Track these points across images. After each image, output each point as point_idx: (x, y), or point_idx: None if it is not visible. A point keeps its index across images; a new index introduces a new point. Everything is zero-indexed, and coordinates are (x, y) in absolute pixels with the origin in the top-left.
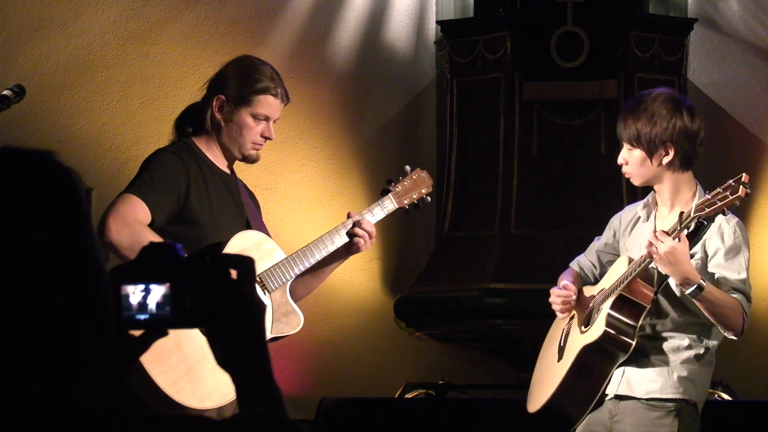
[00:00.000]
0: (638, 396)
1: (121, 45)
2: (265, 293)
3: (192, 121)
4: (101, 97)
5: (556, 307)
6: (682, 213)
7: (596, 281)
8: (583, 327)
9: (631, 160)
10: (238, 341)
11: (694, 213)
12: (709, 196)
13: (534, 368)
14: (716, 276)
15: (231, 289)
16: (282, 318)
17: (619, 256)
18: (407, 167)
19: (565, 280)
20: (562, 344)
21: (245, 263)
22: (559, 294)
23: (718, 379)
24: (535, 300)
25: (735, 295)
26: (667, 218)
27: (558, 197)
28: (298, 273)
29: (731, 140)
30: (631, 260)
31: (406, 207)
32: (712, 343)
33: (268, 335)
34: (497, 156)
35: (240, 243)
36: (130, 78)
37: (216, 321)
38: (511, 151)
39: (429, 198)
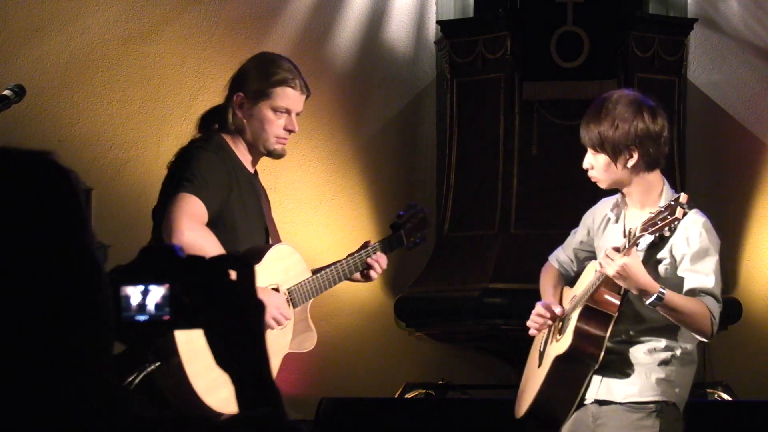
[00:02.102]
0: (618, 400)
1: (121, 45)
2: (290, 307)
3: (217, 119)
4: (101, 97)
5: (532, 326)
6: (630, 230)
7: (576, 276)
8: (558, 335)
9: (597, 165)
10: (238, 341)
11: (640, 232)
12: (653, 215)
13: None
14: (685, 280)
15: (230, 289)
16: (300, 335)
17: (595, 252)
18: (412, 204)
19: (548, 282)
20: (542, 349)
21: (244, 263)
22: (541, 315)
23: (718, 379)
24: (535, 300)
25: (703, 299)
26: (637, 219)
27: (558, 197)
28: (321, 293)
29: (731, 140)
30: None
31: (409, 245)
32: (690, 343)
33: (287, 349)
34: (497, 156)
35: (281, 255)
36: (130, 78)
37: (215, 321)
38: (511, 151)
39: (425, 239)
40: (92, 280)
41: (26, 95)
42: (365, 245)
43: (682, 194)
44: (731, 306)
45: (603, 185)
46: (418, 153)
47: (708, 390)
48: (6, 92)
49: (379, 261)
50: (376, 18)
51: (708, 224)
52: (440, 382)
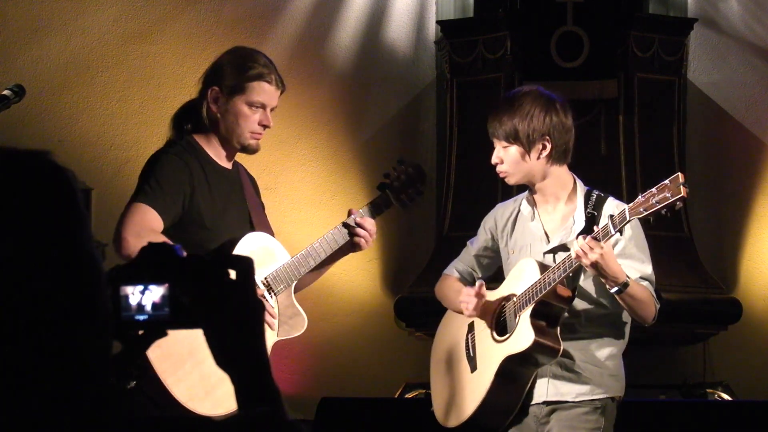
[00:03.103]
0: (569, 400)
1: (121, 45)
2: (272, 296)
3: (190, 118)
4: (101, 97)
5: (467, 307)
6: (612, 216)
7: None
8: (497, 335)
9: (508, 158)
10: (237, 341)
11: (630, 216)
12: (642, 198)
13: (433, 377)
14: (623, 266)
15: (230, 288)
16: (288, 320)
17: (499, 256)
18: (401, 160)
19: (456, 288)
20: (471, 354)
21: (244, 262)
22: (471, 295)
23: (718, 379)
24: None
25: (644, 284)
26: (554, 214)
27: None
28: (303, 274)
29: (731, 140)
30: (543, 265)
31: (404, 202)
32: (626, 328)
33: (275, 338)
34: None
35: (248, 245)
36: (130, 78)
37: (215, 321)
38: None
39: (421, 193)
40: (91, 280)
41: (26, 95)
42: (349, 214)
43: (680, 174)
44: (731, 306)
45: (512, 180)
46: (418, 153)
47: (708, 390)
48: (6, 92)
49: (365, 226)
50: (376, 18)
51: None
52: None
